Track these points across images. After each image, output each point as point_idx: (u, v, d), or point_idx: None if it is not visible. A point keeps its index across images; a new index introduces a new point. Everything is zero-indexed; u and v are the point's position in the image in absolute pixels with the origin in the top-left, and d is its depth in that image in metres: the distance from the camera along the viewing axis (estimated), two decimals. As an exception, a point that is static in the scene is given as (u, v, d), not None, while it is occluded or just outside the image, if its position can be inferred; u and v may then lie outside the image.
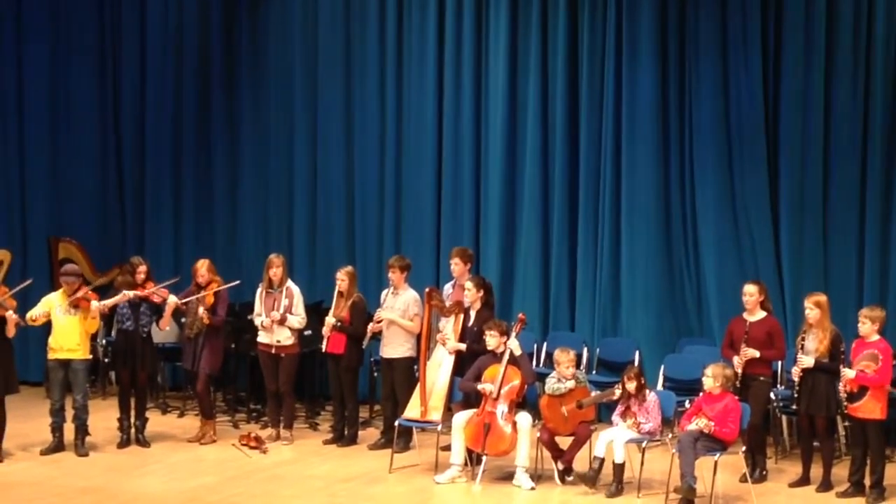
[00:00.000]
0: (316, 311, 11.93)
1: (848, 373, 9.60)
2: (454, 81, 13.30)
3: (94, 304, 10.88)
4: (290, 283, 11.61)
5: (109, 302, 11.17)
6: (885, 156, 11.79)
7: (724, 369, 9.78)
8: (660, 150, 12.51)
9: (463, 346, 10.86)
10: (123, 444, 11.34)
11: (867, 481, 9.73)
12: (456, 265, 11.45)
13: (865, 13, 11.79)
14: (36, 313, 10.88)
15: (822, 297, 9.99)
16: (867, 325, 9.71)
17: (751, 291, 10.33)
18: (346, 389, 11.51)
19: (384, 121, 13.64)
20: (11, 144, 14.66)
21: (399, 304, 11.27)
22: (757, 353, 10.08)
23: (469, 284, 11.00)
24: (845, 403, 9.65)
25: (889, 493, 9.76)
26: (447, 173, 13.35)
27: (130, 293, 11.12)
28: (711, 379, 9.68)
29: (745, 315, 10.34)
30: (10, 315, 10.67)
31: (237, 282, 11.67)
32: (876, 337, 9.71)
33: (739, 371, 10.06)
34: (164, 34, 14.54)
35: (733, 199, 12.27)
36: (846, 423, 9.91)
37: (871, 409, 9.58)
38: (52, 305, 10.92)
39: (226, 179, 14.38)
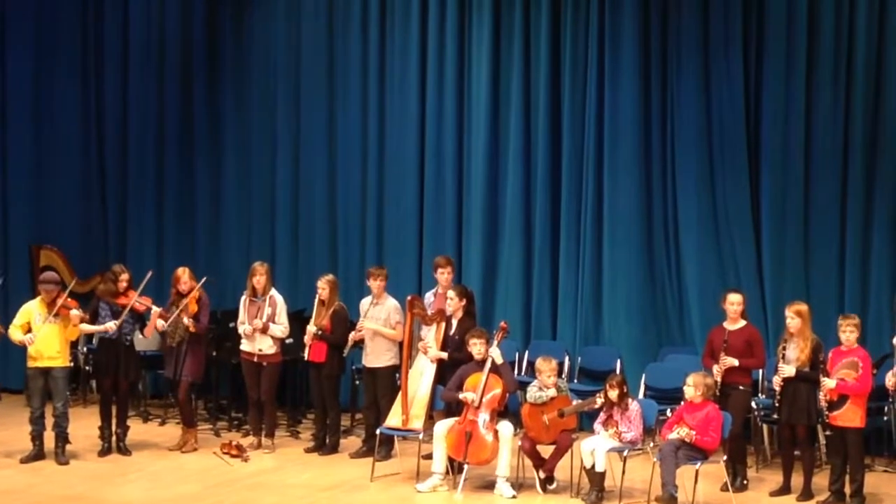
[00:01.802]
0: (298, 320, 11.92)
1: (828, 383, 9.61)
2: (437, 89, 13.34)
3: (74, 312, 10.86)
4: (273, 291, 11.61)
5: (91, 328, 11.19)
6: (865, 165, 11.83)
7: (704, 378, 9.80)
8: (642, 160, 12.55)
9: (444, 355, 10.86)
10: (104, 452, 11.30)
11: (847, 490, 9.75)
12: (449, 274, 11.46)
13: (846, 23, 11.84)
14: (22, 337, 10.83)
15: (804, 306, 10.02)
16: (855, 333, 9.73)
17: (738, 300, 10.35)
18: (328, 398, 11.50)
19: (366, 128, 13.66)
20: (-6, 150, 14.66)
21: (381, 314, 11.28)
22: (736, 362, 10.10)
23: (451, 293, 11.00)
24: (826, 413, 9.67)
25: (869, 501, 9.79)
26: (429, 182, 13.37)
27: (113, 325, 11.09)
28: (692, 388, 9.69)
29: (725, 324, 10.37)
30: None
31: (204, 278, 11.62)
32: (855, 345, 9.75)
33: (719, 380, 10.08)
34: (147, 39, 14.54)
35: (715, 208, 12.31)
36: (827, 433, 9.91)
37: (850, 417, 9.60)
38: (32, 314, 10.89)
39: (208, 187, 14.38)
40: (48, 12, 14.67)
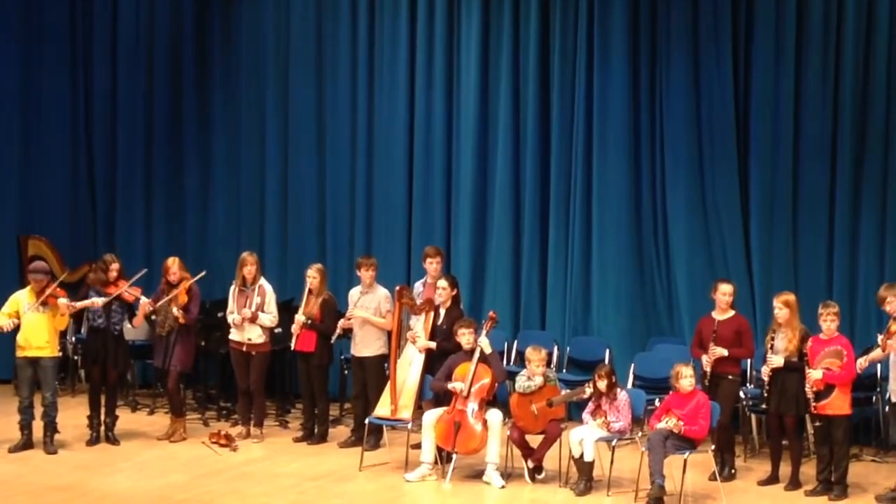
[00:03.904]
0: (287, 309, 11.92)
1: (814, 374, 9.63)
2: (426, 80, 13.34)
3: (62, 300, 10.83)
4: (262, 281, 11.62)
5: (78, 304, 11.14)
6: (854, 156, 11.85)
7: (691, 366, 9.84)
8: (631, 150, 12.55)
9: (433, 345, 10.87)
10: (93, 441, 11.30)
11: (833, 477, 9.78)
12: (438, 264, 11.45)
13: (835, 13, 11.85)
14: (2, 322, 10.82)
15: (791, 297, 10.04)
16: (836, 322, 9.75)
17: (729, 291, 10.34)
18: (317, 387, 11.50)
19: (356, 119, 13.65)
20: (-18, 142, 14.61)
21: (372, 303, 11.28)
22: (725, 352, 10.10)
23: (444, 283, 10.99)
24: (813, 403, 9.69)
25: (856, 490, 9.83)
26: (418, 172, 13.36)
27: (99, 300, 11.07)
28: (691, 378, 9.68)
29: (713, 314, 10.37)
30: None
31: (203, 272, 11.61)
32: (836, 333, 9.77)
33: (708, 370, 10.10)
34: (136, 32, 14.52)
35: (704, 198, 12.31)
36: (816, 423, 9.91)
37: (838, 405, 9.63)
38: (20, 303, 10.87)
39: (197, 177, 14.37)
40: (36, 4, 14.61)
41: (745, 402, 11.04)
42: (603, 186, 12.60)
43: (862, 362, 9.76)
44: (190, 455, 11.02)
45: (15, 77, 14.59)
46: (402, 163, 13.43)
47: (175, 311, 11.28)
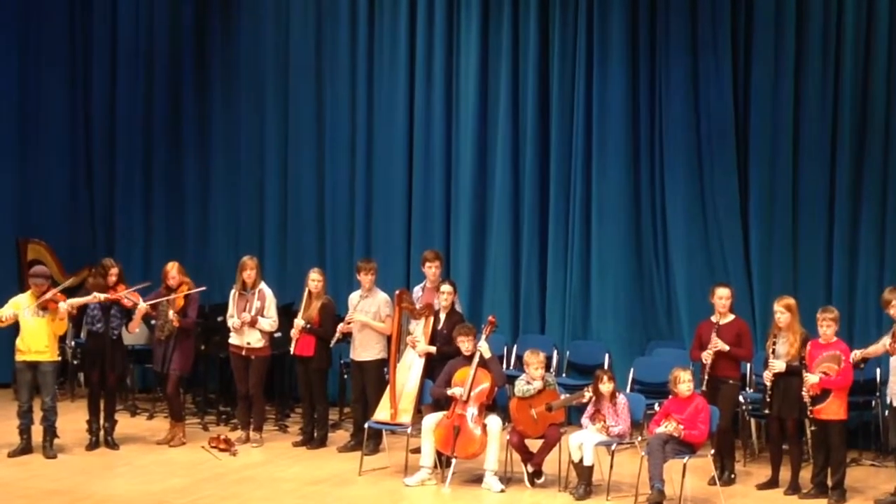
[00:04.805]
0: (286, 313, 11.91)
1: (811, 378, 9.63)
2: (425, 83, 13.33)
3: (63, 305, 10.83)
4: (262, 285, 11.60)
5: (78, 301, 11.11)
6: (853, 159, 11.83)
7: (688, 370, 9.83)
8: (630, 154, 12.55)
9: (433, 349, 10.87)
10: (92, 446, 11.29)
11: (829, 482, 9.77)
12: (437, 268, 11.44)
13: (835, 16, 11.84)
14: (4, 314, 10.82)
15: (792, 301, 10.04)
16: (833, 327, 9.75)
17: (726, 294, 10.35)
18: (316, 391, 11.50)
19: (355, 123, 13.65)
20: (-20, 145, 14.60)
21: (371, 307, 11.28)
22: (726, 347, 10.09)
23: (448, 287, 11.02)
24: (810, 407, 9.68)
25: (855, 494, 9.83)
26: (418, 176, 13.36)
27: (101, 295, 11.05)
28: (689, 383, 9.68)
29: (713, 318, 10.36)
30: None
31: (203, 287, 11.61)
32: (834, 338, 9.76)
33: (708, 362, 10.09)
34: (136, 35, 14.51)
35: (703, 202, 12.31)
36: (812, 428, 9.90)
37: (834, 410, 9.63)
38: (20, 307, 10.86)
39: (196, 181, 14.36)
40: (35, 9, 14.60)
41: (744, 407, 11.03)
42: (602, 189, 12.60)
43: (857, 353, 9.75)
44: (189, 459, 11.01)
45: (14, 78, 14.56)
46: (401, 166, 13.43)
47: (171, 314, 11.26)
